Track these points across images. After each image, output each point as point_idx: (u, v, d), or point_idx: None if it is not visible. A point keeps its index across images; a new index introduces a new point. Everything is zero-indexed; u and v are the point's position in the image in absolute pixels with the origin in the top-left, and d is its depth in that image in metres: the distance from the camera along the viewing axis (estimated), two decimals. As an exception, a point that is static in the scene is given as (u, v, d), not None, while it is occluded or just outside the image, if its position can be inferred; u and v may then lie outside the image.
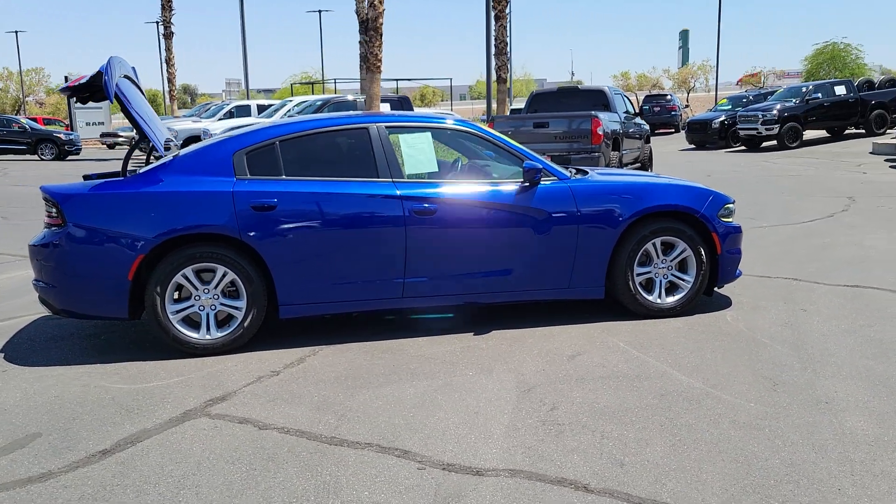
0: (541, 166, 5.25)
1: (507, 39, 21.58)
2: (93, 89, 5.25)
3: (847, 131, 25.37)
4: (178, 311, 4.86)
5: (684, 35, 74.68)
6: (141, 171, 5.06)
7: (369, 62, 12.85)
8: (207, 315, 4.92)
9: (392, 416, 3.87)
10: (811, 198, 12.06)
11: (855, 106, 23.92)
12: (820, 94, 23.54)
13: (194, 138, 19.59)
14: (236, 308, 4.93)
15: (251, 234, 4.83)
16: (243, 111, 21.54)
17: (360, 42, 26.58)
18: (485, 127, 5.52)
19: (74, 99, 5.56)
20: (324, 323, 5.57)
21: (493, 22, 14.74)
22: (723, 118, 25.22)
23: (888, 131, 24.53)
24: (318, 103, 15.27)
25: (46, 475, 3.33)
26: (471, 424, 3.74)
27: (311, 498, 3.07)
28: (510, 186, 5.24)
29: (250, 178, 4.95)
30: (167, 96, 39.15)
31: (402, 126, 5.33)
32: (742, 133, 23.60)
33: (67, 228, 4.73)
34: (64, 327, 5.67)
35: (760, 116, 22.97)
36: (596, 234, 5.30)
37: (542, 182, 5.29)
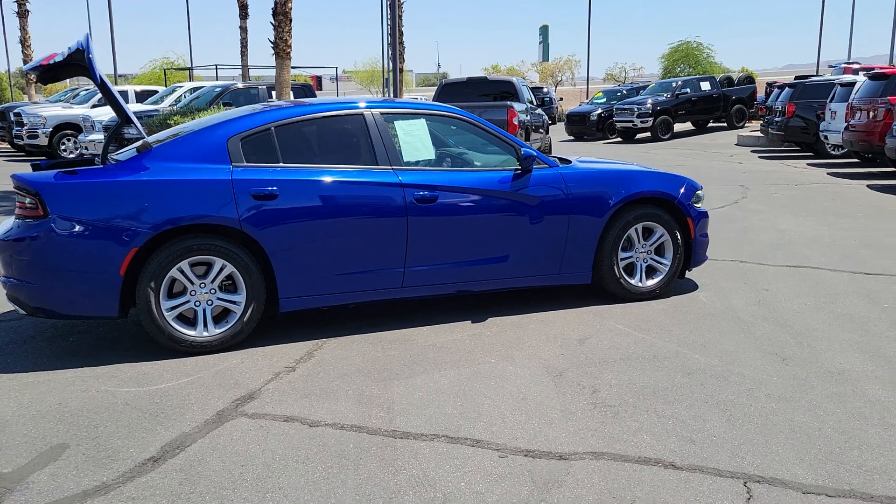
0: (535, 154, 5.30)
1: (402, 28, 21.47)
2: (60, 69, 4.79)
3: (710, 124, 27.14)
4: (172, 308, 4.56)
5: (544, 30, 76.83)
6: (123, 159, 4.69)
7: (279, 48, 12.42)
8: (204, 311, 4.64)
9: (440, 405, 3.81)
10: (707, 186, 12.74)
11: (718, 101, 25.57)
12: (688, 90, 25.00)
13: (69, 125, 18.36)
14: (234, 303, 4.68)
15: (251, 224, 4.60)
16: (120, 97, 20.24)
17: (240, 27, 25.68)
18: (474, 114, 5.50)
19: (35, 79, 5.06)
20: (317, 315, 5.38)
21: (387, 10, 14.57)
22: (600, 111, 26.26)
23: (747, 124, 26.42)
24: (217, 90, 14.61)
25: (103, 487, 3.05)
26: (525, 410, 3.74)
27: (410, 493, 2.98)
28: (505, 174, 5.26)
29: (247, 165, 4.70)
30: (24, 80, 36.08)
31: (396, 112, 5.21)
32: (619, 125, 24.71)
33: (50, 220, 4.31)
34: (19, 330, 5.18)
35: (636, 110, 24.15)
36: (585, 219, 5.41)
37: (533, 169, 5.34)
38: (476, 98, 13.72)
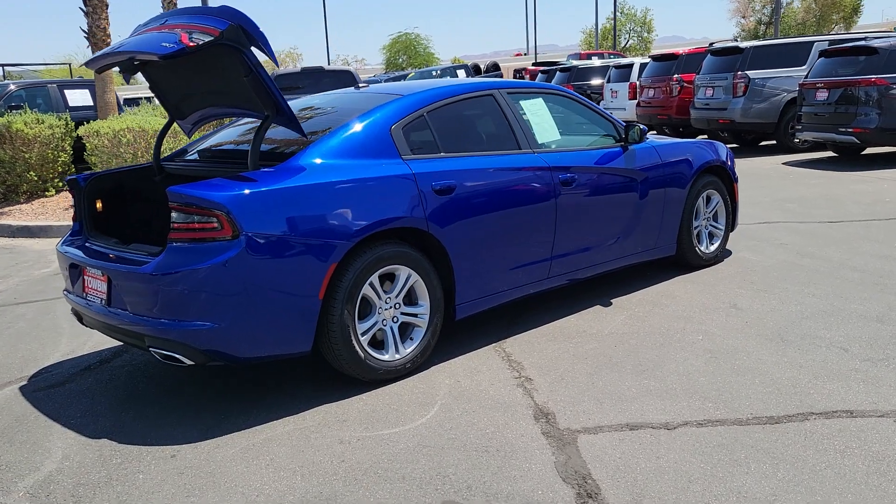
0: (644, 128, 5.22)
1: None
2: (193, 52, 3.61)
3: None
4: (365, 332, 3.81)
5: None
6: (286, 161, 3.74)
7: (96, 37, 10.63)
8: (391, 330, 3.94)
9: (745, 387, 3.63)
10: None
11: (474, 87, 26.87)
12: (447, 78, 25.91)
13: None
14: (416, 316, 4.03)
15: (436, 223, 3.99)
16: None
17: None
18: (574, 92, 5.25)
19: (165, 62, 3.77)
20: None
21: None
22: (364, 102, 26.25)
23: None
24: (13, 88, 12.08)
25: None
26: (824, 376, 3.70)
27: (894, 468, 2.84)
28: (615, 150, 5.11)
29: (414, 156, 4.05)
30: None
31: (518, 91, 4.80)
32: (387, 115, 24.92)
33: (242, 241, 3.35)
34: (93, 393, 4.00)
35: (404, 99, 24.54)
36: (675, 191, 5.44)
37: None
38: (314, 90, 13.00)
